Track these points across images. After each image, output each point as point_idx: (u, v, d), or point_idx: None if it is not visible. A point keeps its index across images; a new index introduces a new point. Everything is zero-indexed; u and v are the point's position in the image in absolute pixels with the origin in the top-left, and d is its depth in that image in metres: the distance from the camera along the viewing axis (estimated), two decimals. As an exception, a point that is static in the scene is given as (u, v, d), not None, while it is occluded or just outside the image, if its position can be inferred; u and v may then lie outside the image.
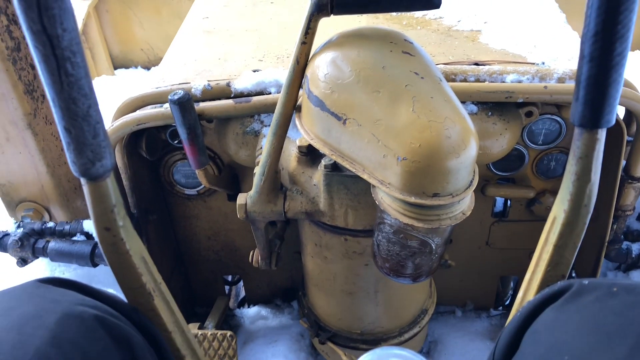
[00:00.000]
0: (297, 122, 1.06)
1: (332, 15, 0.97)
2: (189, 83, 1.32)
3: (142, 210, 1.44)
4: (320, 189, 1.13)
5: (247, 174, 1.46)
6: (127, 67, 4.11)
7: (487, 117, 1.26)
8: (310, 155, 1.14)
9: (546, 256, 0.64)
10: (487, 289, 1.74)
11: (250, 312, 1.78)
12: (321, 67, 0.97)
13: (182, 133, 1.19)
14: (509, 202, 1.54)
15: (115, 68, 4.06)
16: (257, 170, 1.15)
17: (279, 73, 1.27)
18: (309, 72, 1.00)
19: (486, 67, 1.25)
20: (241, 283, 1.90)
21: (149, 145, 1.37)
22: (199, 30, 1.59)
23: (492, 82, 1.24)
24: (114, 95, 3.60)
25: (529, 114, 1.29)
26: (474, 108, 1.26)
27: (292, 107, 1.06)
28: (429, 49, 1.39)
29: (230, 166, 1.45)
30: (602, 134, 0.57)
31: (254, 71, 1.36)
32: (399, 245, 1.02)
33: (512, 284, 1.89)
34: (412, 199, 0.90)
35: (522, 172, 1.45)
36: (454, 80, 1.24)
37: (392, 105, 0.90)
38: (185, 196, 1.54)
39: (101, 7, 3.86)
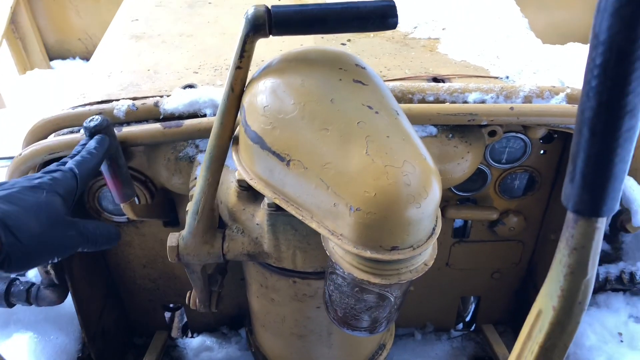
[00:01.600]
0: (234, 156, 0.92)
1: (270, 36, 0.82)
2: (111, 102, 1.15)
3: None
4: (264, 229, 0.99)
5: (184, 200, 1.30)
6: (64, 58, 3.84)
7: (448, 139, 1.14)
8: (251, 190, 1.00)
9: (530, 357, 0.53)
10: (447, 310, 1.65)
11: (194, 342, 1.63)
12: (260, 97, 0.83)
13: (103, 165, 1.03)
14: (469, 222, 1.44)
15: (51, 59, 3.79)
16: (190, 207, 1.00)
17: (216, 92, 1.12)
18: (245, 101, 0.85)
19: (446, 85, 1.13)
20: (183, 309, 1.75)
21: (68, 172, 1.20)
22: (126, 34, 1.41)
23: (453, 101, 1.12)
24: (50, 90, 3.34)
25: (492, 134, 1.18)
26: (434, 130, 1.14)
27: (228, 139, 0.91)
28: (383, 61, 1.26)
29: (164, 190, 1.29)
30: (602, 223, 0.45)
31: (187, 87, 1.20)
32: (354, 298, 0.90)
33: (472, 300, 1.80)
34: (368, 253, 0.78)
35: (485, 192, 1.35)
36: (411, 101, 1.11)
37: (343, 145, 0.77)
38: (115, 223, 1.37)
39: (32, -7, 3.57)
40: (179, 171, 1.16)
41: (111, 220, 1.35)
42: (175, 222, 1.38)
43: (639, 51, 0.38)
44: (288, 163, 0.80)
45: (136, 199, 1.24)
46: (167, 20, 1.45)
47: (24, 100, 3.22)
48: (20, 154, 1.08)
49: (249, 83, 0.87)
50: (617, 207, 0.45)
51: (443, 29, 1.38)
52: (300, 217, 0.83)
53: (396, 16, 0.82)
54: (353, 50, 1.30)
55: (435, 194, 0.78)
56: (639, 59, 0.38)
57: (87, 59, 3.78)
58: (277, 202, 0.85)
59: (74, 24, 3.70)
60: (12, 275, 1.33)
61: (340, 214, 0.78)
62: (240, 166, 0.89)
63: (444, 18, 1.42)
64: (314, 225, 0.82)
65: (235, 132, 0.94)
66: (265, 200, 0.96)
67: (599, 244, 0.46)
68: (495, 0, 1.51)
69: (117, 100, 1.17)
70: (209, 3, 1.50)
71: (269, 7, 0.82)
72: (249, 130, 0.84)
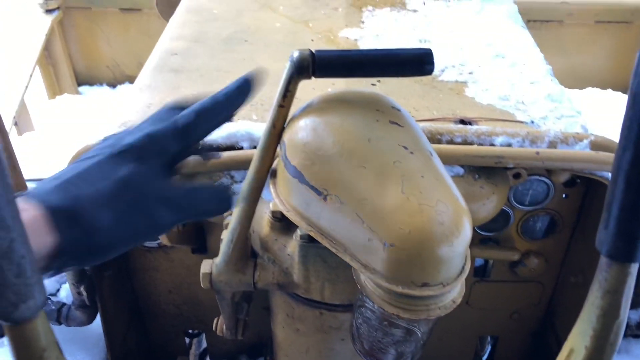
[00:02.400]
0: (271, 189, 0.96)
1: (313, 78, 0.88)
2: (153, 132, 1.20)
3: (96, 266, 1.31)
4: (295, 260, 1.02)
5: (214, 228, 1.34)
6: (91, 84, 3.95)
7: (474, 180, 1.18)
8: (284, 221, 1.04)
9: (561, 393, 0.56)
10: (465, 349, 1.66)
11: (213, 369, 1.65)
12: (301, 134, 0.87)
13: (143, 191, 1.08)
14: (490, 261, 1.46)
15: (79, 85, 3.90)
16: (225, 236, 1.04)
17: (252, 126, 1.17)
18: (286, 138, 0.90)
19: (474, 128, 1.17)
20: (203, 335, 1.78)
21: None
22: (166, 67, 1.48)
23: (480, 144, 1.16)
24: (77, 115, 3.44)
25: (517, 176, 1.22)
26: (460, 170, 1.18)
27: (266, 172, 0.96)
28: (412, 102, 1.31)
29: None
30: (634, 268, 0.49)
31: (225, 120, 1.25)
32: (381, 332, 0.92)
33: (489, 340, 1.81)
34: (399, 289, 0.81)
35: (507, 233, 1.38)
36: (439, 141, 1.16)
37: (380, 183, 0.81)
38: (145, 248, 1.41)
39: (66, 22, 3.70)
40: (213, 200, 1.20)
41: (143, 245, 1.39)
42: (203, 250, 1.42)
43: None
44: (325, 197, 0.84)
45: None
46: (204, 56, 1.51)
47: (52, 124, 3.32)
48: (64, 178, 1.13)
49: (290, 121, 0.92)
50: (650, 254, 0.48)
51: (470, 73, 1.43)
52: (334, 250, 0.87)
53: (432, 63, 0.87)
54: (382, 90, 1.35)
55: (466, 233, 0.81)
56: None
57: (114, 86, 3.89)
58: (312, 234, 0.89)
59: (103, 52, 3.81)
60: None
61: (374, 249, 0.81)
62: (277, 198, 0.94)
63: (470, 62, 1.47)
64: (347, 259, 0.85)
65: (274, 166, 0.98)
66: (298, 232, 1.00)
67: (631, 288, 0.50)
68: (521, 46, 1.56)
69: (157, 130, 1.22)
70: (245, 41, 1.57)
71: (313, 51, 0.87)
72: (288, 165, 0.88)
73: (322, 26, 1.62)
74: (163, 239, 1.18)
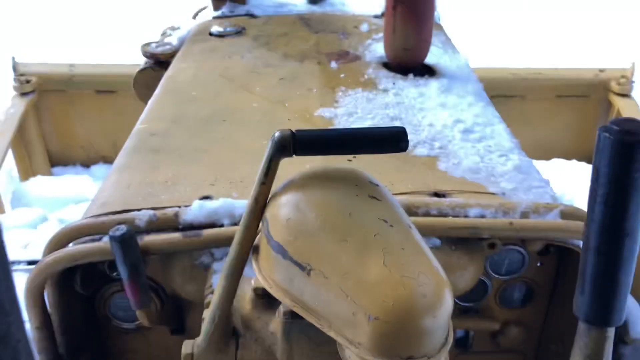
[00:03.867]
0: (254, 265, 0.97)
1: (294, 156, 0.91)
2: (132, 212, 1.21)
3: (71, 351, 1.27)
4: (279, 337, 1.02)
5: (193, 307, 1.33)
6: (65, 165, 3.93)
7: (451, 251, 1.21)
8: (267, 298, 1.04)
9: None
10: None
11: None
12: (283, 210, 0.90)
13: (123, 272, 1.07)
14: (471, 332, 1.46)
15: (53, 165, 3.88)
16: (207, 315, 1.03)
17: (233, 203, 1.19)
18: (268, 214, 0.92)
19: (448, 200, 1.22)
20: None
21: (84, 280, 1.23)
22: (145, 148, 1.51)
23: (455, 215, 1.20)
24: (50, 197, 3.40)
25: (491, 246, 1.25)
26: (437, 242, 1.20)
27: (249, 249, 0.97)
28: (388, 176, 1.35)
29: (174, 297, 1.32)
30: (611, 332, 0.51)
31: (204, 198, 1.27)
32: (368, 408, 0.91)
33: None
34: (385, 362, 0.81)
35: (485, 302, 1.39)
36: (416, 214, 1.19)
37: (361, 256, 0.83)
38: (123, 330, 1.38)
39: (41, 104, 3.72)
40: (194, 279, 1.20)
41: (120, 327, 1.36)
42: (181, 330, 1.39)
43: (635, 183, 0.45)
44: (309, 272, 0.85)
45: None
46: (183, 136, 1.55)
47: (24, 206, 3.28)
48: (43, 261, 1.12)
49: (272, 197, 0.94)
50: (624, 318, 0.51)
51: (441, 148, 1.49)
52: (319, 326, 0.87)
53: (407, 141, 0.91)
54: (359, 165, 1.39)
55: (448, 304, 0.83)
56: (635, 189, 0.46)
57: (88, 166, 3.89)
58: (296, 310, 0.89)
59: (77, 132, 3.82)
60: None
61: (358, 323, 0.82)
62: (260, 275, 0.94)
63: (441, 138, 1.53)
64: (332, 334, 0.86)
65: (256, 242, 0.99)
66: (281, 309, 1.00)
67: (609, 352, 0.51)
68: (487, 121, 1.64)
69: (138, 210, 1.23)
70: (224, 121, 1.61)
71: (293, 130, 0.91)
72: (271, 241, 0.90)
73: (298, 106, 1.68)
74: (142, 320, 1.16)
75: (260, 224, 0.95)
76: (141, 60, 2.45)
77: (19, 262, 2.31)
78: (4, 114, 3.51)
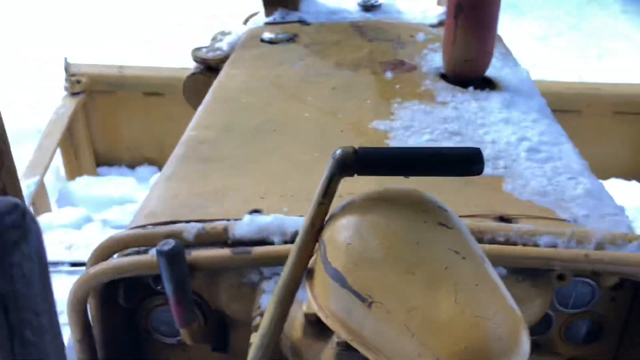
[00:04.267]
0: (307, 292, 0.90)
1: (356, 175, 0.84)
2: (180, 224, 1.16)
3: (110, 367, 1.23)
4: (330, 369, 0.95)
5: (238, 325, 1.27)
6: (110, 165, 3.97)
7: (518, 282, 1.11)
8: (319, 325, 0.97)
9: None
10: None
11: None
12: (343, 234, 0.83)
13: (169, 288, 1.02)
14: (531, 367, 1.36)
15: (99, 165, 3.92)
16: (255, 340, 0.97)
17: (284, 220, 1.13)
18: (326, 237, 0.85)
19: (516, 226, 1.12)
20: None
21: (127, 292, 1.19)
22: (194, 156, 1.46)
23: (524, 243, 1.10)
24: (95, 197, 3.43)
25: (561, 277, 1.14)
26: (503, 271, 1.11)
27: (302, 273, 0.90)
28: (448, 197, 1.25)
29: (218, 314, 1.26)
30: None
31: (254, 212, 1.21)
32: None
33: None
34: (452, 411, 0.73)
35: (548, 337, 1.29)
36: (481, 240, 1.10)
37: (431, 292, 0.75)
38: (163, 345, 1.33)
39: (90, 105, 3.77)
40: (241, 297, 1.14)
41: (161, 341, 1.32)
42: (224, 348, 1.33)
43: None
44: (370, 305, 0.78)
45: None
46: (233, 145, 1.50)
47: (69, 206, 3.31)
48: (86, 273, 1.08)
49: (330, 218, 0.87)
50: None
51: (505, 168, 1.39)
52: (378, 364, 0.79)
53: (482, 163, 0.83)
54: (416, 184, 1.32)
55: (525, 349, 0.74)
56: None
57: (132, 167, 3.91)
58: (354, 344, 0.82)
59: (124, 133, 3.86)
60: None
61: (424, 364, 0.74)
62: (314, 302, 0.87)
63: (504, 157, 1.44)
64: (393, 374, 0.78)
65: (310, 265, 0.93)
66: (335, 338, 0.93)
67: None
68: (554, 140, 1.53)
69: (185, 221, 1.18)
70: (274, 131, 1.56)
71: (357, 148, 0.84)
72: (329, 267, 0.83)
73: (351, 117, 1.61)
74: (185, 338, 1.11)
75: (317, 247, 0.89)
76: (191, 65, 2.43)
77: (62, 264, 2.31)
78: (54, 114, 3.57)
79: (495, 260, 1.07)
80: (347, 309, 0.81)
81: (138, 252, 1.14)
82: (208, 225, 1.13)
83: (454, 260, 0.78)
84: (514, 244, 1.10)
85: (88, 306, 1.17)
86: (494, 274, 0.79)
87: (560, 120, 1.93)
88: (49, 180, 3.57)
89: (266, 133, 1.56)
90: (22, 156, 3.54)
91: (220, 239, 1.12)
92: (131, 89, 3.74)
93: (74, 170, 3.74)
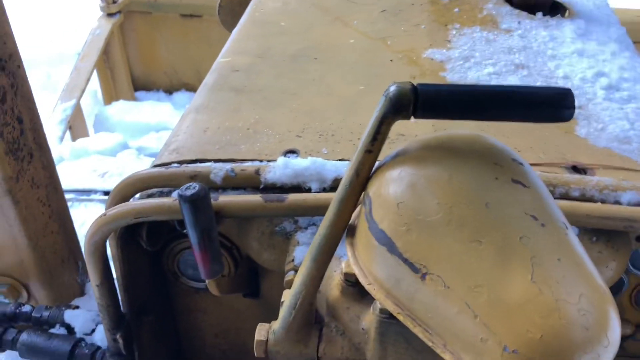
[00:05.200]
0: (348, 252, 0.77)
1: (412, 118, 0.69)
2: (208, 162, 1.04)
3: (135, 311, 1.15)
4: (371, 336, 0.83)
5: (269, 273, 1.17)
6: (148, 90, 3.90)
7: (591, 243, 0.96)
8: (360, 286, 0.85)
9: None
10: None
11: None
12: (393, 190, 0.68)
13: (193, 237, 0.91)
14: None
15: (136, 90, 3.85)
16: (287, 298, 0.86)
17: (323, 164, 0.99)
18: (373, 191, 0.72)
19: (595, 179, 0.96)
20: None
21: (150, 234, 1.09)
22: (226, 86, 1.32)
23: (602, 200, 0.94)
24: (131, 123, 3.36)
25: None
26: (575, 230, 0.96)
27: (343, 229, 0.77)
28: (512, 141, 1.10)
29: (249, 259, 1.16)
30: None
31: (289, 152, 1.08)
32: None
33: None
34: (518, 406, 0.61)
35: (617, 300, 1.14)
36: (552, 194, 0.94)
37: (501, 265, 0.61)
38: (193, 289, 1.25)
39: (127, 26, 3.65)
40: (272, 247, 1.03)
41: (188, 285, 1.23)
42: (256, 294, 1.24)
43: None
44: (423, 276, 0.65)
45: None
46: (269, 74, 1.35)
47: (106, 131, 3.25)
48: (105, 214, 0.98)
49: (378, 169, 0.73)
50: None
51: (579, 108, 1.21)
52: (430, 343, 0.67)
53: (573, 107, 0.67)
54: (473, 127, 1.15)
55: (616, 339, 0.60)
56: None
57: (170, 92, 3.82)
58: (401, 318, 0.69)
59: (161, 57, 3.75)
60: (78, 336, 1.22)
61: (487, 351, 0.61)
62: (356, 265, 0.75)
63: (579, 95, 1.25)
64: (447, 357, 0.66)
65: (352, 220, 0.80)
66: (377, 304, 0.81)
67: None
68: (638, 76, 1.32)
69: (213, 161, 1.06)
70: (315, 59, 1.39)
71: (417, 85, 0.68)
72: (374, 228, 0.70)
73: (402, 45, 1.43)
74: (212, 290, 1.01)
75: (361, 199, 0.75)
76: (228, -17, 2.24)
77: (96, 192, 2.26)
78: (90, 35, 3.46)
79: (570, 220, 0.91)
80: (395, 278, 0.68)
81: (161, 193, 1.03)
82: (238, 167, 1.00)
83: (531, 227, 0.63)
84: (591, 199, 0.94)
85: (108, 246, 1.08)
86: (578, 245, 0.65)
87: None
88: (87, 104, 3.52)
89: (306, 61, 1.40)
90: (61, 79, 3.48)
91: (251, 183, 1.00)
92: (168, 9, 3.60)
93: (111, 94, 3.68)
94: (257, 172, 0.99)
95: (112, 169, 2.45)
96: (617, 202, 0.94)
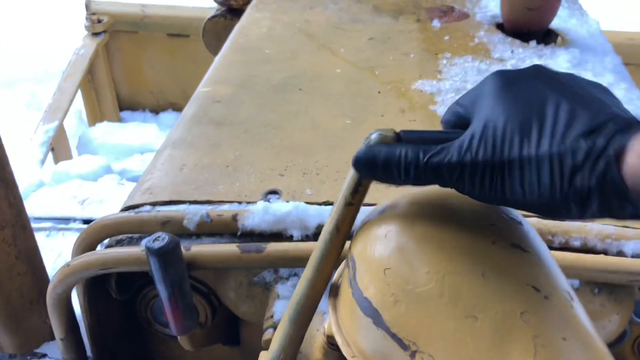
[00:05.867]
0: (331, 316, 0.70)
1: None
2: (182, 205, 0.97)
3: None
4: (357, 406, 0.76)
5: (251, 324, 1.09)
6: (134, 110, 3.83)
7: (593, 295, 0.90)
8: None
9: None
10: None
11: None
12: (379, 253, 0.61)
13: (162, 291, 0.84)
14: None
15: (122, 110, 3.78)
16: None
17: (306, 210, 0.92)
18: (357, 253, 0.65)
19: (596, 228, 0.89)
20: None
21: (121, 281, 1.01)
22: (206, 118, 1.25)
23: (604, 250, 0.88)
24: (116, 145, 3.28)
25: (645, 289, 0.93)
26: (575, 282, 0.89)
27: (323, 287, 0.70)
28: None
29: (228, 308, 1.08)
30: None
31: (270, 193, 1.01)
32: None
33: None
34: None
35: (619, 351, 1.08)
36: (551, 243, 0.88)
37: (499, 346, 0.54)
38: (167, 336, 1.17)
39: (112, 46, 3.59)
40: (251, 298, 0.96)
41: (163, 332, 1.15)
42: (236, 341, 1.17)
43: None
44: (413, 354, 0.58)
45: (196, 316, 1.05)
46: (251, 106, 1.28)
47: (89, 153, 3.17)
48: (69, 264, 0.90)
49: (363, 226, 0.66)
50: None
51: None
52: None
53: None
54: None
55: None
56: None
57: (156, 112, 3.75)
58: (390, 397, 0.62)
59: (147, 77, 3.69)
60: None
61: None
62: (339, 334, 0.67)
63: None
64: None
65: (334, 280, 0.73)
66: (363, 370, 0.74)
67: None
68: (634, 109, 1.27)
69: (189, 202, 0.99)
70: (300, 89, 1.33)
71: (399, 132, 0.61)
72: (359, 296, 0.63)
73: (391, 75, 1.37)
74: (185, 346, 0.93)
75: (345, 253, 0.68)
76: (214, 5, 2.19)
77: (75, 220, 2.18)
78: (74, 54, 3.39)
79: (572, 272, 0.85)
80: (382, 353, 0.61)
81: (131, 240, 0.96)
82: (214, 212, 0.93)
83: (533, 301, 0.56)
84: (593, 250, 0.88)
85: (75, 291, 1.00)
86: (585, 319, 0.58)
87: (636, 75, 1.64)
88: (72, 124, 3.44)
89: (290, 91, 1.34)
90: (46, 97, 3.40)
91: (228, 230, 0.93)
92: (154, 28, 3.54)
93: (95, 115, 3.60)
94: (235, 218, 0.92)
95: (92, 196, 2.37)
96: (620, 253, 0.87)
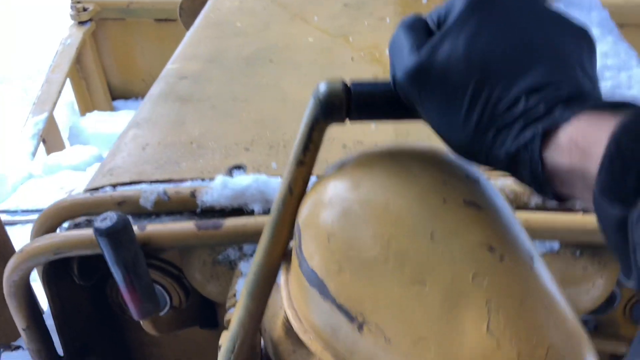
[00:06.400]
0: (282, 288, 0.65)
1: (347, 121, 0.57)
2: (142, 184, 0.93)
3: (75, 352, 1.04)
4: (320, 384, 0.71)
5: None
6: (126, 98, 3.78)
7: (575, 258, 0.85)
8: (305, 326, 0.73)
9: None
10: None
11: None
12: (323, 220, 0.57)
13: (116, 274, 0.80)
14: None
15: (114, 99, 3.73)
16: (224, 342, 0.74)
17: (267, 182, 0.87)
18: (302, 219, 0.60)
19: (575, 185, 0.84)
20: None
21: (83, 266, 0.97)
22: (172, 96, 1.20)
23: (584, 210, 0.82)
24: (107, 134, 3.24)
25: (631, 249, 0.87)
26: (555, 245, 0.84)
27: (280, 256, 0.66)
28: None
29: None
30: None
31: (234, 168, 0.96)
32: None
33: None
34: None
35: (610, 316, 1.03)
36: (526, 206, 0.83)
37: (449, 313, 0.50)
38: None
39: (100, 34, 3.53)
40: (216, 277, 0.92)
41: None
42: (213, 324, 1.13)
43: None
44: (360, 326, 0.53)
45: (168, 300, 1.01)
46: (220, 81, 1.23)
47: (81, 144, 3.14)
48: (22, 250, 0.86)
49: (312, 190, 0.61)
50: None
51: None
52: (375, 403, 0.56)
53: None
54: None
55: (596, 399, 0.49)
56: None
57: (150, 100, 3.70)
58: (342, 373, 0.58)
59: (138, 64, 3.63)
60: None
61: (439, 417, 0.50)
62: (290, 308, 0.63)
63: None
64: (395, 420, 0.54)
65: (290, 246, 0.68)
66: (324, 347, 0.69)
67: None
68: (621, 63, 1.21)
69: (149, 182, 0.94)
70: (270, 61, 1.27)
71: (348, 83, 0.57)
72: (305, 266, 0.58)
73: (365, 41, 1.31)
74: (149, 330, 0.89)
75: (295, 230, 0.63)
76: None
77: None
78: (61, 45, 3.34)
79: (546, 233, 0.80)
80: (331, 327, 0.57)
81: (89, 222, 0.92)
82: (171, 189, 0.89)
83: (487, 262, 0.51)
84: (571, 209, 0.83)
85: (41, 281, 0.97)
86: (547, 279, 0.53)
87: (626, 36, 1.57)
88: (64, 115, 3.40)
89: (260, 64, 1.28)
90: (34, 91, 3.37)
91: (187, 207, 0.88)
92: (141, 14, 3.47)
93: (87, 105, 3.56)
94: (193, 195, 0.88)
95: (80, 186, 2.34)
96: (601, 211, 0.82)
